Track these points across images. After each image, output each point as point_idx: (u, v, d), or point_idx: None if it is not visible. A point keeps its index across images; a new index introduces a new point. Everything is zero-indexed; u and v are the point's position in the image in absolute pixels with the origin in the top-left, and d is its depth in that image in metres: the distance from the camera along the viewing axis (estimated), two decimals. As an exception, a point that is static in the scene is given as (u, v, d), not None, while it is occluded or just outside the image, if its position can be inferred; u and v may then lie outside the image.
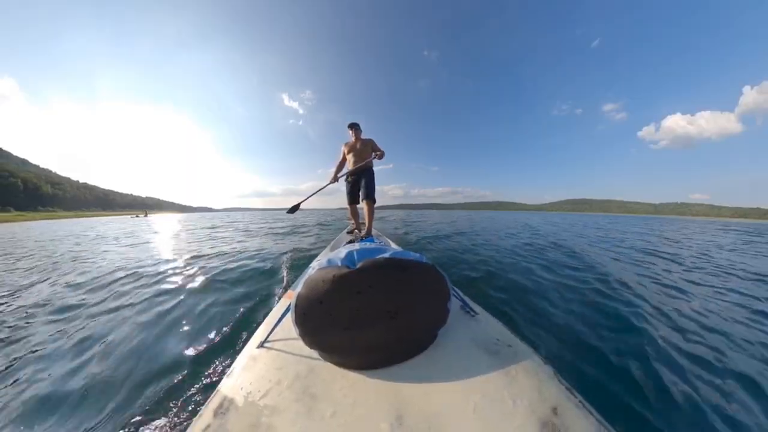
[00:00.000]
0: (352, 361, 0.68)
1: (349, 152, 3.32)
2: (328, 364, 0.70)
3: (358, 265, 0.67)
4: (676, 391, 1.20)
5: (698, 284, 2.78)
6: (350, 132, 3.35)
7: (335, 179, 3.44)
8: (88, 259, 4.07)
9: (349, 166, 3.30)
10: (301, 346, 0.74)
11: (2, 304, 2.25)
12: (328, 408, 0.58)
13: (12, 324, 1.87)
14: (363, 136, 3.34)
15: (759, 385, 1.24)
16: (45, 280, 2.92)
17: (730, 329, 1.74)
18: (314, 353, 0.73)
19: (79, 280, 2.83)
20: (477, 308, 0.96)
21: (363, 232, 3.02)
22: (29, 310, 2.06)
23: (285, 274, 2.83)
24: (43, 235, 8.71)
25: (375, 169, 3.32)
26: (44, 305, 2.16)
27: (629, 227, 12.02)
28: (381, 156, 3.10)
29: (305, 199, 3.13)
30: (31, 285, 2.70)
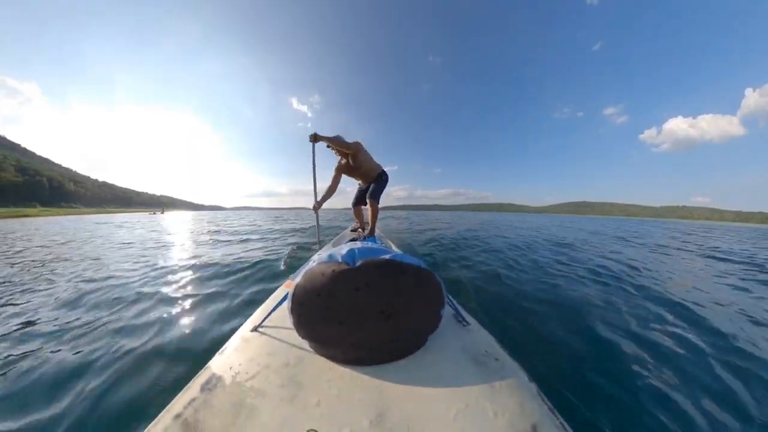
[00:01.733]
0: (341, 355, 0.69)
1: (349, 173, 3.08)
2: (318, 356, 0.71)
3: (358, 263, 0.68)
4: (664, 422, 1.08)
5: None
6: (334, 152, 2.88)
7: (317, 207, 2.79)
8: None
9: (362, 184, 3.20)
10: (293, 335, 0.75)
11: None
12: (312, 397, 0.59)
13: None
14: (360, 137, 3.20)
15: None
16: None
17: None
18: (305, 344, 0.74)
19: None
20: (470, 319, 0.96)
21: (366, 232, 3.04)
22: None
23: (286, 263, 2.98)
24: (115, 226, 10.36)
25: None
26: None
27: (652, 233, 10.92)
28: (334, 144, 2.65)
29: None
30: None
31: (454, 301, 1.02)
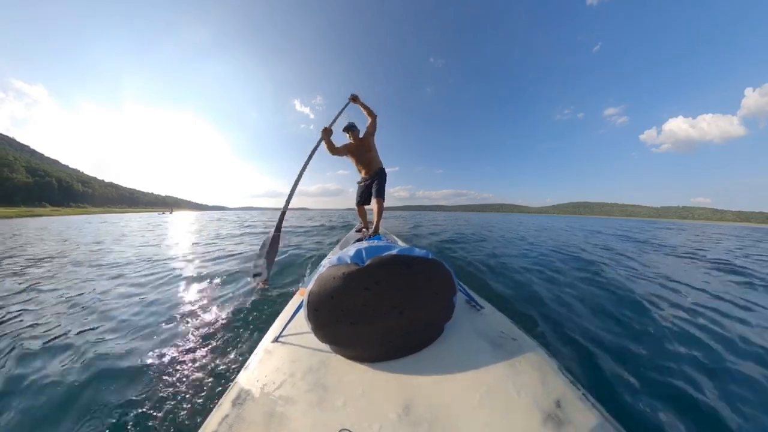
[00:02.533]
0: (361, 354, 0.71)
1: (354, 158, 3.18)
2: (339, 357, 0.72)
3: (367, 263, 0.69)
4: (680, 391, 1.21)
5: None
6: (348, 135, 3.12)
7: (325, 138, 2.68)
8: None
9: (361, 174, 3.33)
10: (313, 340, 0.77)
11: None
12: (338, 398, 0.60)
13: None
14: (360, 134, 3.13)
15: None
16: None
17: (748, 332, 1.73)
18: (326, 347, 0.76)
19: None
20: (483, 302, 0.97)
21: (371, 231, 3.10)
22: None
23: (298, 271, 3.07)
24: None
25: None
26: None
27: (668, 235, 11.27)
28: (371, 112, 2.91)
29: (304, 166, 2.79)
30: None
31: (466, 287, 1.03)
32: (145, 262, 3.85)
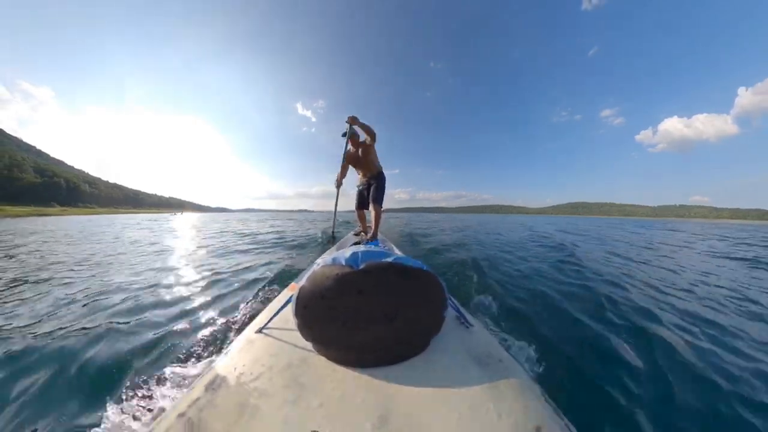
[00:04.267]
0: (344, 356, 0.69)
1: (354, 164, 3.21)
2: (321, 357, 0.71)
3: (362, 266, 0.68)
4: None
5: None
6: (349, 143, 3.11)
7: (339, 185, 3.22)
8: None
9: (360, 178, 3.29)
10: (297, 336, 0.76)
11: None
12: (315, 399, 0.59)
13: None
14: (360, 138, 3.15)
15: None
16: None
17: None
18: (308, 345, 0.74)
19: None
20: (472, 320, 0.96)
21: (369, 235, 3.08)
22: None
23: (291, 266, 3.04)
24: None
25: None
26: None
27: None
28: (371, 137, 2.92)
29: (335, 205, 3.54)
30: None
31: (457, 303, 1.02)
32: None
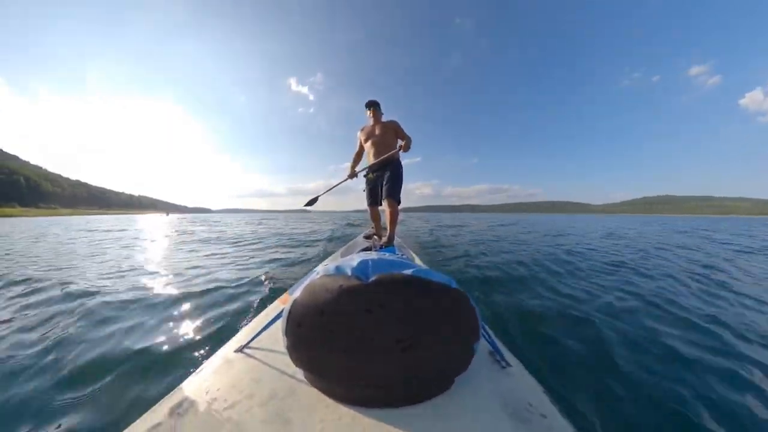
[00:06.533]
0: (342, 391, 0.62)
1: (366, 140, 2.82)
2: (312, 388, 0.64)
3: (372, 278, 0.60)
4: None
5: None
6: (368, 113, 2.83)
7: (353, 174, 2.96)
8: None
9: (369, 158, 2.82)
10: (286, 360, 0.68)
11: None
12: None
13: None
14: (384, 118, 2.84)
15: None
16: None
17: None
18: (299, 372, 0.66)
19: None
20: (511, 359, 0.85)
21: (383, 240, 2.62)
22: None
23: (283, 275, 2.67)
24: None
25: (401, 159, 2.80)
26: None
27: None
28: (407, 146, 2.59)
29: (324, 193, 3.23)
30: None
31: (492, 334, 0.90)
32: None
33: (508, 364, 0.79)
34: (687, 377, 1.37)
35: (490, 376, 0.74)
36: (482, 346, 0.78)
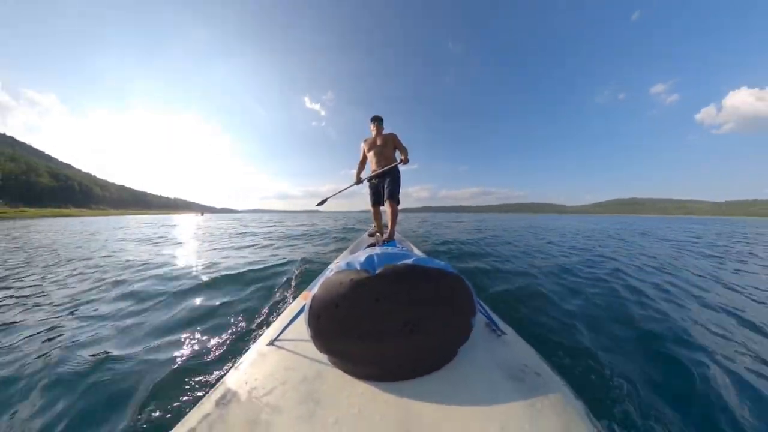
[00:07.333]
0: (362, 370, 0.67)
1: (369, 150, 3.15)
2: (337, 370, 0.69)
3: (378, 271, 0.65)
4: None
5: None
6: (371, 126, 3.14)
7: (358, 181, 3.31)
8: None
9: (372, 165, 3.15)
10: (311, 348, 0.73)
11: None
12: (330, 415, 0.57)
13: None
14: (385, 131, 3.17)
15: None
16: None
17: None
18: (324, 357, 0.72)
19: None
20: (506, 328, 0.91)
21: (386, 236, 2.93)
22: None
23: (303, 273, 2.91)
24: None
25: (401, 168, 3.14)
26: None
27: None
28: (406, 160, 2.91)
29: (332, 196, 3.60)
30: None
31: (487, 308, 0.96)
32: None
33: (503, 333, 0.86)
34: (618, 329, 1.81)
35: (488, 344, 0.80)
36: (479, 319, 0.83)
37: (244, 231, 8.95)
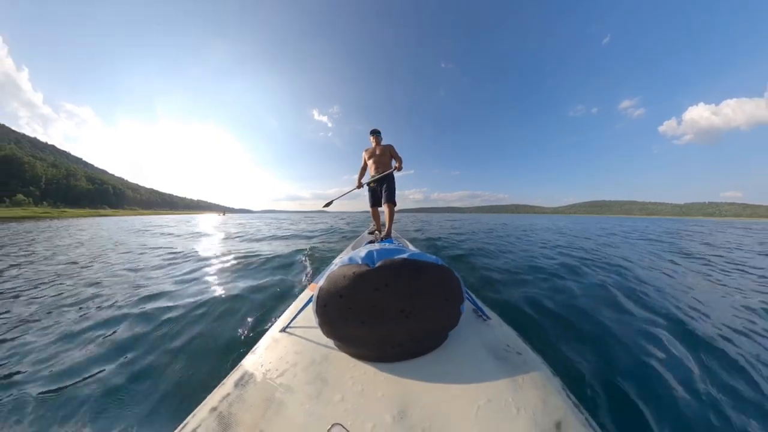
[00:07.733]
0: (364, 353, 0.71)
1: (369, 158, 3.50)
2: (342, 353, 0.74)
3: (377, 264, 0.69)
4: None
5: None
6: (371, 138, 3.56)
7: (360, 185, 3.73)
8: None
9: (371, 172, 3.51)
10: (318, 334, 0.79)
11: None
12: (336, 393, 0.61)
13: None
14: (383, 142, 3.54)
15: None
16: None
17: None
18: (330, 342, 0.77)
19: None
20: (490, 313, 0.96)
21: (383, 234, 3.20)
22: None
23: (311, 267, 3.20)
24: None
25: (396, 174, 3.44)
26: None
27: None
28: (400, 167, 3.26)
29: (337, 198, 4.06)
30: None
31: (474, 296, 1.03)
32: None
33: (488, 317, 0.92)
34: (583, 302, 2.19)
35: (475, 328, 0.85)
36: (467, 305, 0.87)
37: (277, 228, 10.12)
